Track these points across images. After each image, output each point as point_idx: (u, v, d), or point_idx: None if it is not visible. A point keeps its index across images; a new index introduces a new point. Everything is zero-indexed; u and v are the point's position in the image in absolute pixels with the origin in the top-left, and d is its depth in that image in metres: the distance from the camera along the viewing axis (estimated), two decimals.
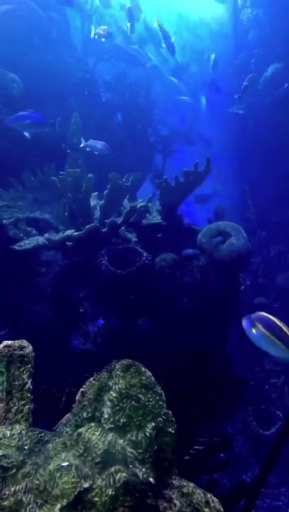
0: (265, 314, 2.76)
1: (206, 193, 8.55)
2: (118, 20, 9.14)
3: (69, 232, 3.77)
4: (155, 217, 4.22)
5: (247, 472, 4.72)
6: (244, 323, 2.77)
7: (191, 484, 1.25)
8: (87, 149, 4.76)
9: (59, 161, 4.60)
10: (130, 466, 1.15)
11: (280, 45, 8.14)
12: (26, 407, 1.42)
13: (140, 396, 1.29)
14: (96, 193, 4.28)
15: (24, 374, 1.46)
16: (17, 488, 1.11)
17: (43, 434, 1.26)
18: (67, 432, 1.33)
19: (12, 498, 1.09)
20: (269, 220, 7.75)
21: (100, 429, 1.20)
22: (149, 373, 1.36)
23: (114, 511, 1.06)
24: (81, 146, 4.72)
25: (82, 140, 4.86)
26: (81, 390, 1.41)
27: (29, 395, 1.45)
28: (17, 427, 1.27)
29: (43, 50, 6.60)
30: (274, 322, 2.70)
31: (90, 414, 1.33)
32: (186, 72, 10.79)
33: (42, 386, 1.84)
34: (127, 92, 7.55)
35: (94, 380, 1.40)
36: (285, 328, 2.70)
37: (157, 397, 1.30)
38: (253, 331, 2.75)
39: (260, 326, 2.71)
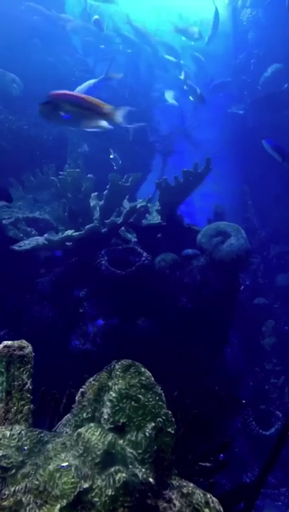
0: (69, 92, 2.61)
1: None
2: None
3: (69, 232, 3.77)
4: (155, 218, 4.22)
5: (247, 473, 4.72)
6: (45, 106, 2.55)
7: (191, 484, 1.25)
8: (114, 161, 4.90)
9: (59, 161, 4.60)
10: (130, 466, 1.15)
11: (279, 46, 8.14)
12: (26, 407, 1.42)
13: (140, 396, 1.29)
14: (96, 194, 4.28)
15: (24, 374, 1.46)
16: (17, 488, 1.11)
17: (42, 435, 1.26)
18: (66, 433, 1.33)
19: (12, 499, 1.09)
20: (269, 220, 7.75)
21: (99, 430, 1.20)
22: (148, 373, 1.36)
23: None
24: (111, 156, 4.88)
25: (111, 151, 4.97)
26: (81, 390, 1.41)
27: (29, 395, 1.45)
28: (17, 427, 1.27)
29: (43, 50, 6.60)
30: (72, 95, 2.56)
31: (89, 415, 1.33)
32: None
33: (42, 386, 1.84)
34: (126, 92, 7.55)
35: (93, 380, 1.40)
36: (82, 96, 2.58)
37: (157, 398, 1.30)
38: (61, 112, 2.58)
39: (66, 105, 2.56)
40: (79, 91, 3.72)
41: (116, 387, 1.31)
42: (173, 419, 1.29)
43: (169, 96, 8.14)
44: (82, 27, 7.82)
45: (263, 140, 4.87)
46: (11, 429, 1.26)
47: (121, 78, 4.54)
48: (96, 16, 7.31)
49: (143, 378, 1.33)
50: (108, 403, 1.29)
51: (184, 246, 4.05)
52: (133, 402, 1.28)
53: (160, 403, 1.30)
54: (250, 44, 9.10)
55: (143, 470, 1.17)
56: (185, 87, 6.88)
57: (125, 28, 8.99)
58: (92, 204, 4.11)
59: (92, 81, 3.93)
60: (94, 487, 1.08)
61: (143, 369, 1.37)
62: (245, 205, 7.88)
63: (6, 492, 1.11)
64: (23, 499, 1.08)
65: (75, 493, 1.06)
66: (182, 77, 6.93)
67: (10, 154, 5.29)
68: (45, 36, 6.74)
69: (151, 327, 3.63)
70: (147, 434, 1.22)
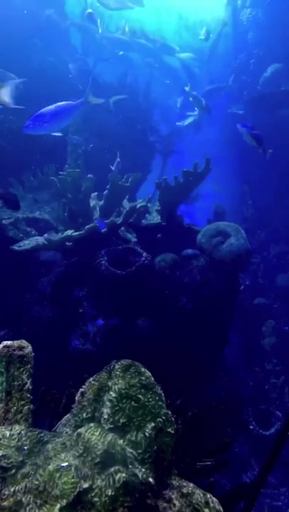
0: None
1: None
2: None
3: (69, 232, 3.77)
4: (155, 218, 4.22)
5: (247, 472, 4.71)
6: None
7: (191, 484, 1.25)
8: (117, 165, 4.88)
9: (59, 161, 4.60)
10: (130, 466, 1.15)
11: (279, 46, 8.14)
12: (26, 407, 1.42)
13: (140, 396, 1.29)
14: (96, 194, 4.29)
15: (24, 374, 1.46)
16: (17, 488, 1.11)
17: (42, 435, 1.26)
18: (66, 433, 1.33)
19: (12, 499, 1.09)
20: (269, 221, 7.75)
21: (99, 430, 1.20)
22: (148, 373, 1.36)
23: None
24: (118, 159, 4.87)
25: (118, 155, 4.96)
26: (81, 390, 1.41)
27: (28, 395, 1.45)
28: (16, 427, 1.27)
29: (43, 50, 6.60)
30: None
31: (89, 415, 1.33)
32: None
33: (41, 386, 1.84)
34: (126, 92, 7.55)
35: (93, 380, 1.40)
36: None
37: (157, 398, 1.30)
38: None
39: None
40: (51, 109, 3.50)
41: (116, 387, 1.31)
42: (173, 419, 1.29)
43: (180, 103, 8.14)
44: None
45: (237, 124, 4.81)
46: (11, 429, 1.26)
47: (103, 103, 4.35)
48: (89, 10, 7.25)
49: (143, 378, 1.33)
50: (108, 403, 1.29)
51: (183, 246, 4.05)
52: (133, 402, 1.28)
53: (160, 403, 1.30)
54: (250, 44, 9.11)
55: (143, 470, 1.17)
56: (191, 99, 6.91)
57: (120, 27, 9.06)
58: (92, 204, 4.11)
59: (69, 103, 3.72)
60: (94, 487, 1.08)
61: (143, 369, 1.37)
62: (245, 205, 7.88)
63: (6, 492, 1.11)
64: (23, 499, 1.08)
65: (75, 493, 1.06)
66: (188, 88, 6.95)
67: (10, 154, 5.29)
68: (45, 36, 6.74)
69: (151, 327, 3.63)
70: (147, 434, 1.22)
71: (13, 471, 1.15)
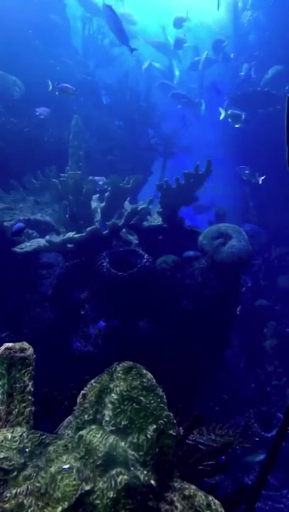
0: None
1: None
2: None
3: (70, 234, 3.77)
4: (156, 220, 4.22)
5: (248, 474, 4.70)
6: None
7: (193, 487, 1.25)
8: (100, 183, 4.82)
9: (60, 162, 4.61)
10: (131, 468, 1.15)
11: (280, 47, 8.15)
12: (27, 409, 1.42)
13: (141, 398, 1.29)
14: (97, 196, 4.29)
15: (25, 376, 1.46)
16: (18, 490, 1.11)
17: (44, 437, 1.26)
18: (68, 435, 1.33)
19: (13, 501, 1.09)
20: (270, 222, 7.74)
21: (101, 432, 1.20)
22: (150, 375, 1.36)
23: None
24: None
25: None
26: (82, 392, 1.41)
27: (30, 397, 1.45)
28: (18, 429, 1.27)
29: (44, 53, 6.62)
30: None
31: (91, 417, 1.33)
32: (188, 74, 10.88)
33: (43, 388, 1.84)
34: (127, 95, 7.56)
35: (95, 382, 1.40)
36: None
37: (158, 400, 1.30)
38: None
39: None
40: None
41: (117, 389, 1.31)
42: (174, 421, 1.29)
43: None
44: None
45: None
46: (13, 432, 1.26)
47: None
48: None
49: (144, 380, 1.33)
50: (110, 405, 1.29)
51: (185, 248, 4.05)
52: (134, 404, 1.28)
53: (161, 405, 1.30)
54: (251, 46, 9.11)
55: (145, 472, 1.17)
56: (230, 120, 6.94)
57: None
58: (93, 206, 4.12)
59: None
60: (95, 489, 1.08)
61: (144, 371, 1.37)
62: (246, 207, 7.88)
63: (8, 494, 1.11)
64: (25, 501, 1.08)
65: (77, 495, 1.06)
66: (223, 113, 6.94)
67: (11, 156, 5.30)
68: (45, 38, 6.77)
69: (152, 328, 3.63)
70: (149, 436, 1.22)
71: (15, 473, 1.15)
